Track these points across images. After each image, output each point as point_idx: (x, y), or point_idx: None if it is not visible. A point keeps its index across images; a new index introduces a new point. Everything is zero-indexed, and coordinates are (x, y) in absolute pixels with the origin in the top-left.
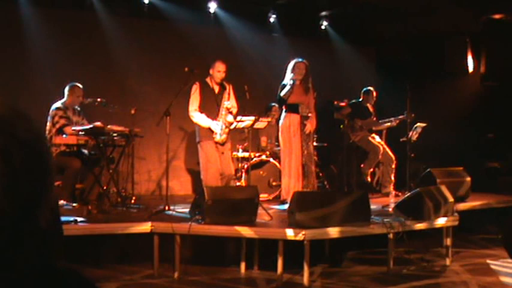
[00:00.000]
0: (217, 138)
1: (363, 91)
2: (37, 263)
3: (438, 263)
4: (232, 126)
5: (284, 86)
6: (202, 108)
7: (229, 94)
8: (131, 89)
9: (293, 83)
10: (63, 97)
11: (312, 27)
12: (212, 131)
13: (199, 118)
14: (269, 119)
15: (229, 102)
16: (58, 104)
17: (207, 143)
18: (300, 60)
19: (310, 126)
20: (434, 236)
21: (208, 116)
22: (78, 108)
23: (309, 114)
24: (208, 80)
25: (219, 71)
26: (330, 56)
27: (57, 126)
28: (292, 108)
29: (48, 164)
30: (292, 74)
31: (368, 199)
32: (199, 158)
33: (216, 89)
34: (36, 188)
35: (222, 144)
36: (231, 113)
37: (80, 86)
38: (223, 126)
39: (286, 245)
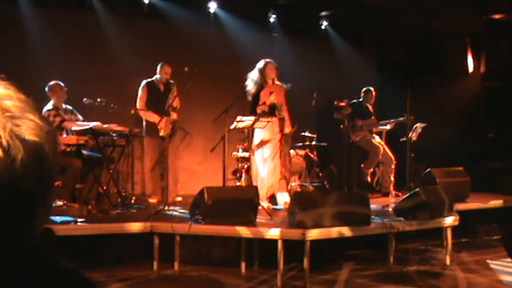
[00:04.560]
0: (162, 133)
1: (363, 91)
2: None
3: (438, 263)
4: (232, 126)
5: None
6: (148, 105)
7: (174, 94)
8: (131, 89)
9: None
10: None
11: (312, 27)
12: (156, 128)
13: (147, 115)
14: (269, 119)
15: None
16: (48, 106)
17: (148, 139)
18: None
19: None
20: (434, 236)
21: (154, 113)
22: (70, 107)
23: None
24: (155, 79)
25: (166, 73)
26: (330, 56)
27: (54, 125)
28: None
29: (50, 166)
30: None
31: (368, 199)
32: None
33: (161, 88)
34: (36, 190)
35: (165, 138)
36: (174, 111)
37: (59, 82)
38: (167, 123)
39: (286, 244)
